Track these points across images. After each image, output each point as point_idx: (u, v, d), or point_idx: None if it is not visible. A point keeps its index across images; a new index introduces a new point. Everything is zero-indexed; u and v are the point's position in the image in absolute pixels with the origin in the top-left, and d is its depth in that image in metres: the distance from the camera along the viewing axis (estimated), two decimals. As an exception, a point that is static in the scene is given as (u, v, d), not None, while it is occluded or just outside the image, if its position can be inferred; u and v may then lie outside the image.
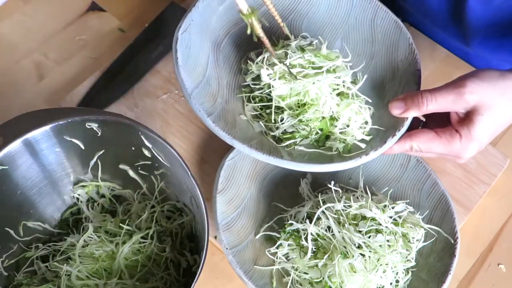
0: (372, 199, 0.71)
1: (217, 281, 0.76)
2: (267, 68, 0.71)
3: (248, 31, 0.68)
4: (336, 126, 0.71)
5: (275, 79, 0.70)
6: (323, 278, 0.67)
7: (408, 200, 0.75)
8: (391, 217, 0.70)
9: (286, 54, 0.72)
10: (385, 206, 0.71)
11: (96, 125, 0.68)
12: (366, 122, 0.72)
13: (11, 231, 0.71)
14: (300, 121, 0.71)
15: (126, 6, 0.95)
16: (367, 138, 0.71)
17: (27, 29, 0.92)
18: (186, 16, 0.72)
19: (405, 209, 0.72)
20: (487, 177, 0.81)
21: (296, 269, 0.69)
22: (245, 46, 0.78)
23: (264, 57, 0.72)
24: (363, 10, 0.79)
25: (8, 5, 0.93)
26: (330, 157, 0.70)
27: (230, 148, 0.74)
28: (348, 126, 0.71)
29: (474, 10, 0.78)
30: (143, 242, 0.72)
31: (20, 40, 0.91)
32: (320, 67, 0.71)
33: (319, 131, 0.72)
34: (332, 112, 0.71)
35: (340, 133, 0.71)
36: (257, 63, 0.73)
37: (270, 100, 0.72)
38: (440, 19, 0.85)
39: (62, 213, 0.77)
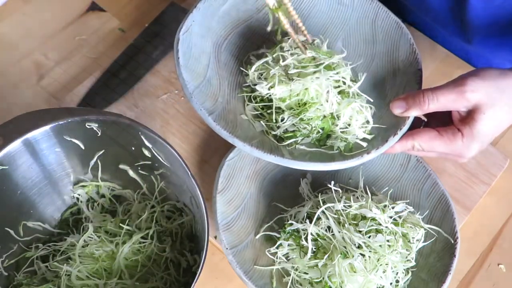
0: (372, 199, 0.71)
1: (217, 281, 0.76)
2: (264, 78, 0.71)
3: (269, 28, 0.68)
4: (337, 125, 0.71)
5: (273, 87, 0.70)
6: (323, 278, 0.67)
7: (408, 200, 0.75)
8: (391, 217, 0.70)
9: (283, 57, 0.72)
10: (385, 206, 0.71)
11: (96, 125, 0.68)
12: (368, 121, 0.72)
13: (11, 231, 0.71)
14: (301, 120, 0.71)
15: (126, 6, 0.95)
16: (369, 137, 0.71)
17: (27, 29, 0.92)
18: (188, 16, 0.72)
19: (405, 209, 0.72)
20: (487, 177, 0.81)
21: (296, 269, 0.69)
22: (246, 47, 0.79)
23: (258, 66, 0.73)
24: (364, 11, 0.79)
25: (8, 5, 0.93)
26: (332, 156, 0.70)
27: (230, 148, 0.74)
28: (349, 125, 0.72)
29: (475, 8, 0.78)
30: (143, 242, 0.72)
31: (20, 40, 0.91)
32: (318, 65, 0.72)
33: (320, 130, 0.72)
34: (333, 110, 0.71)
35: (341, 132, 0.71)
36: (247, 75, 0.73)
37: (271, 100, 0.72)
38: (441, 17, 0.85)
39: (62, 213, 0.77)
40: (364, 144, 0.70)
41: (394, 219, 0.70)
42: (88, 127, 0.68)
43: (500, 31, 0.80)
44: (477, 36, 0.83)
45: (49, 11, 0.93)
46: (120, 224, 0.73)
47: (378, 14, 0.78)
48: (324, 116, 0.71)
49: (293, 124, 0.71)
